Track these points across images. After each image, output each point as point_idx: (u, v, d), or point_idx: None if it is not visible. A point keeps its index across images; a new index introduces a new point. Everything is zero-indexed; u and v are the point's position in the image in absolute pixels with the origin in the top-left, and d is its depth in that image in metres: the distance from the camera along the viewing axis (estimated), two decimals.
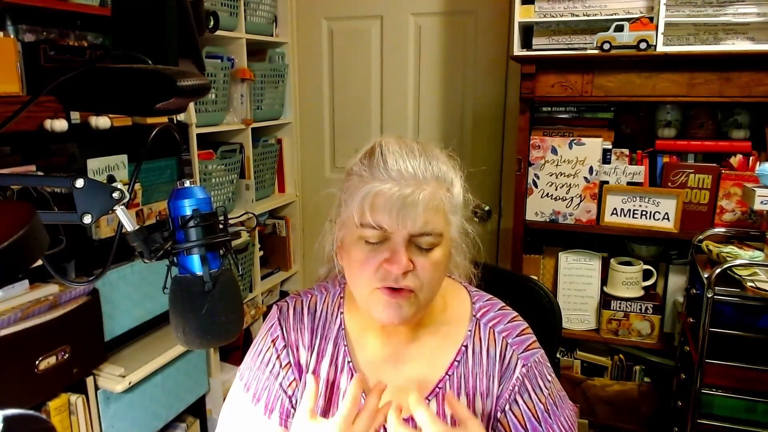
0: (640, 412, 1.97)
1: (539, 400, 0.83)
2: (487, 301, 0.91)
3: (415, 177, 0.76)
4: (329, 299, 0.93)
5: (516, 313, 0.90)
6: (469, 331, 0.87)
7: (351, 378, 0.87)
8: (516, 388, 0.83)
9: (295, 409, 0.89)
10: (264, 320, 0.96)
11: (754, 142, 1.76)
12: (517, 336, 0.86)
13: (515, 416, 0.82)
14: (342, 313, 0.91)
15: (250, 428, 0.89)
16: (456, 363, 0.86)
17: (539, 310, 1.12)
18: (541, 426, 0.81)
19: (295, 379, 0.89)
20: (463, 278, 0.93)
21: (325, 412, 0.87)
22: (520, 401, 0.83)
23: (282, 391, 0.89)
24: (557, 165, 1.87)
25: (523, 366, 0.84)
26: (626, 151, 1.85)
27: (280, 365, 0.89)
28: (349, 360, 0.88)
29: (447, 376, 0.85)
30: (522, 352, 0.85)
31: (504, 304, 0.92)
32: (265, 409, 0.88)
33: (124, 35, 0.67)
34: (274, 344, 0.90)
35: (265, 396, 0.89)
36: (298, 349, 0.90)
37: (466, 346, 0.86)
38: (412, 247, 0.77)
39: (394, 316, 0.78)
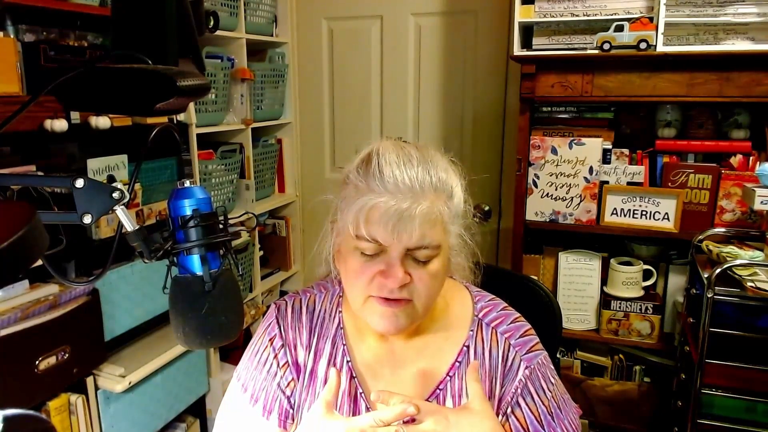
0: (640, 412, 1.97)
1: (542, 402, 0.82)
2: (489, 301, 0.91)
3: (412, 189, 0.74)
4: (328, 298, 0.92)
5: (518, 314, 0.89)
6: (471, 331, 0.86)
7: (350, 378, 0.86)
8: (519, 390, 0.82)
9: (293, 410, 0.88)
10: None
11: (754, 142, 1.75)
12: (519, 337, 0.85)
13: (518, 419, 0.82)
14: (340, 312, 0.90)
15: (249, 430, 0.88)
16: (457, 364, 0.85)
17: (539, 310, 1.12)
18: (544, 429, 0.81)
19: (293, 378, 0.88)
20: (463, 279, 0.93)
21: None
22: (523, 404, 0.82)
23: (280, 392, 0.88)
24: (557, 165, 1.87)
25: (526, 368, 0.83)
26: (626, 151, 1.85)
27: (278, 365, 0.88)
28: (348, 360, 0.87)
29: (448, 377, 0.84)
30: (525, 354, 0.84)
31: (506, 305, 0.91)
32: (264, 410, 0.87)
33: (124, 35, 0.67)
34: (272, 343, 0.89)
35: (263, 397, 0.88)
36: (296, 348, 0.89)
37: (468, 347, 0.86)
38: (409, 259, 0.76)
39: (390, 326, 0.78)
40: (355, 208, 0.74)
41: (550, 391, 0.83)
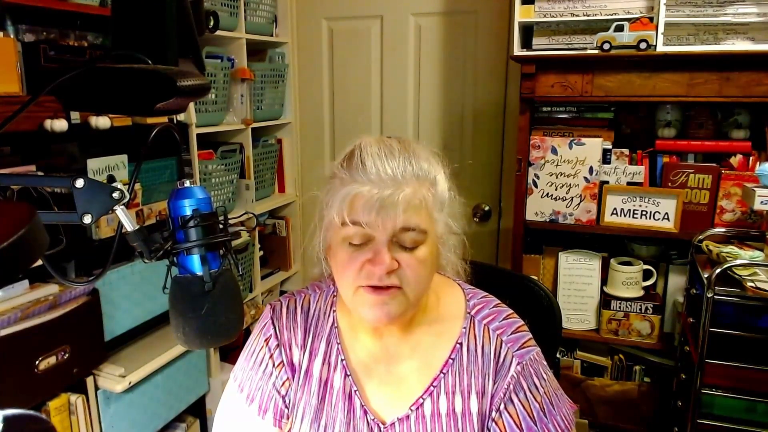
0: (640, 412, 1.97)
1: (534, 399, 0.82)
2: (481, 298, 0.91)
3: (394, 178, 0.76)
4: (322, 298, 0.93)
5: (511, 311, 0.90)
6: (464, 328, 0.87)
7: (344, 376, 0.87)
8: (511, 386, 0.82)
9: (288, 409, 0.89)
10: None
11: (754, 142, 1.76)
12: (512, 333, 0.86)
13: (510, 416, 0.82)
14: (334, 311, 0.91)
15: (245, 429, 0.89)
16: (451, 361, 0.85)
17: (539, 309, 1.12)
18: (536, 426, 0.81)
19: (288, 378, 0.89)
20: (454, 275, 0.93)
21: (318, 411, 0.87)
22: (516, 400, 0.82)
23: (275, 391, 0.89)
24: (557, 165, 1.87)
25: (518, 364, 0.83)
26: (626, 151, 1.85)
27: (273, 365, 0.89)
28: (342, 358, 0.88)
29: (442, 374, 0.85)
30: (517, 350, 0.84)
31: (499, 302, 0.91)
32: (259, 409, 0.89)
33: (124, 35, 0.67)
34: (267, 343, 0.91)
35: (259, 396, 0.89)
36: (291, 348, 0.90)
37: (461, 344, 0.86)
38: (396, 246, 0.77)
39: (381, 315, 0.78)
40: (339, 198, 0.76)
41: (542, 387, 0.83)
